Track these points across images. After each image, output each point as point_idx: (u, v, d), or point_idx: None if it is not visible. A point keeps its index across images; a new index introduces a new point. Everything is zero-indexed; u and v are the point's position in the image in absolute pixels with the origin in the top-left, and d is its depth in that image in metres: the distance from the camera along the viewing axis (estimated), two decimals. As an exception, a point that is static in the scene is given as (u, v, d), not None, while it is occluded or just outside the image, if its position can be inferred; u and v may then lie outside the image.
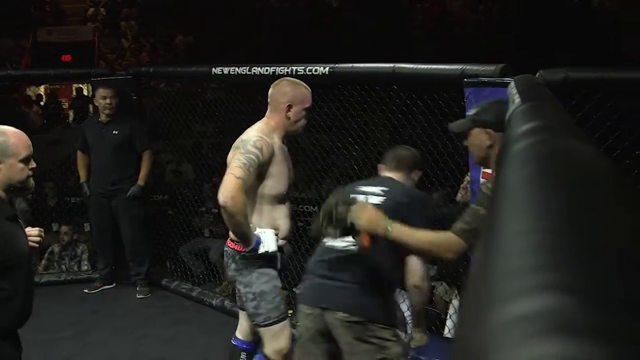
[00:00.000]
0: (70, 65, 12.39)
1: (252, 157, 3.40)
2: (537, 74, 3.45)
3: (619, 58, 11.80)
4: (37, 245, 3.16)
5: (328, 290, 3.11)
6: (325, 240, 3.21)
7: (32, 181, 3.00)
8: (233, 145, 3.61)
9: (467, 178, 4.18)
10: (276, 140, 3.60)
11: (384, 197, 3.18)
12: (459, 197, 4.31)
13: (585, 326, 0.24)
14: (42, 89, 14.34)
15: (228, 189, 3.28)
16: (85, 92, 12.74)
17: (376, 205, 2.98)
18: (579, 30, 12.61)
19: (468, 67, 3.86)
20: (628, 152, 3.45)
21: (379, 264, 3.11)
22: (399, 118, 4.89)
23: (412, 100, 4.67)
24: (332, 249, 3.19)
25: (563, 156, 0.58)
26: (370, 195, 3.16)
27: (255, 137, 3.51)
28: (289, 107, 3.60)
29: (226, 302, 6.21)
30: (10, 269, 2.85)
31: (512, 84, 2.34)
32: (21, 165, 2.91)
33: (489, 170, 3.67)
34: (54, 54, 14.04)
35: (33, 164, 2.98)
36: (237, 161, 3.39)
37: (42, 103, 14.01)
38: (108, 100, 6.21)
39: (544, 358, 0.23)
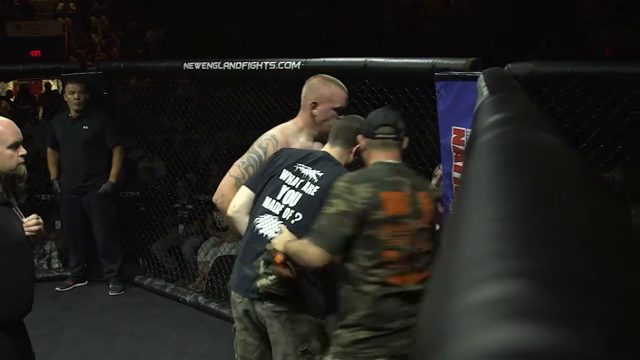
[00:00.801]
0: (39, 61, 12.24)
1: (254, 156, 3.31)
2: (505, 67, 3.48)
3: (588, 52, 11.96)
4: (35, 234, 2.98)
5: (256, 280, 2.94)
6: (257, 225, 3.01)
7: (23, 168, 2.95)
8: None
9: (439, 172, 4.20)
10: (301, 140, 3.39)
11: (318, 187, 2.98)
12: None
13: (546, 311, 0.25)
14: (11, 85, 14.13)
15: (220, 187, 3.26)
16: (54, 88, 12.58)
17: (310, 198, 2.92)
18: (549, 25, 12.74)
19: (439, 61, 3.88)
20: (593, 144, 3.50)
21: None
22: (371, 111, 4.89)
23: (384, 95, 4.68)
24: (262, 238, 2.96)
25: (528, 146, 0.59)
26: (306, 183, 3.00)
27: (266, 136, 3.41)
28: (314, 104, 3.39)
29: (200, 298, 6.19)
30: (12, 257, 2.80)
31: (481, 76, 2.36)
32: (9, 152, 2.86)
33: (459, 163, 3.71)
34: (23, 49, 13.86)
35: (23, 151, 2.92)
36: (239, 159, 3.34)
37: (12, 99, 13.82)
38: (76, 96, 6.14)
39: (504, 343, 0.23)
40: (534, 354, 0.22)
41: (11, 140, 2.88)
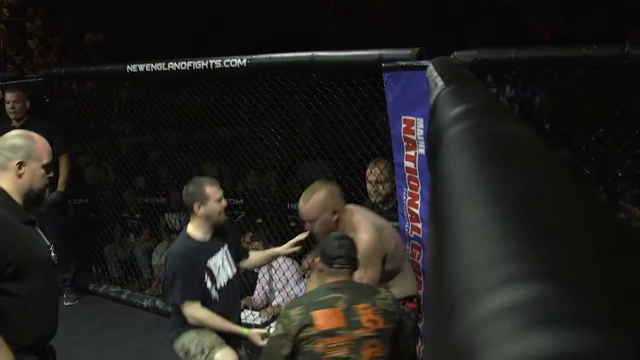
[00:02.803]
0: (-25, 70, 11.86)
1: None
2: (452, 55, 3.52)
3: (530, 38, 12.17)
4: None
5: None
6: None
7: (48, 192, 2.86)
8: None
9: (372, 177, 4.25)
10: None
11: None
12: (372, 197, 4.34)
13: (573, 313, 0.24)
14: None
15: None
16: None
17: None
18: (490, 12, 12.92)
19: (385, 52, 3.89)
20: (537, 127, 3.57)
21: None
22: (319, 106, 4.90)
23: (332, 88, 4.69)
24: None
25: (502, 138, 0.59)
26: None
27: None
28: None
29: (157, 302, 6.12)
30: (26, 274, 2.65)
31: (431, 66, 2.37)
32: (42, 171, 2.78)
33: (411, 152, 3.74)
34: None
35: (51, 174, 2.85)
36: None
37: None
38: (11, 105, 5.96)
39: (536, 351, 0.23)
40: (580, 358, 0.22)
41: (46, 160, 2.80)
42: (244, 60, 4.65)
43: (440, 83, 1.39)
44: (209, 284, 3.73)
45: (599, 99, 3.45)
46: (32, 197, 2.79)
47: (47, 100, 6.43)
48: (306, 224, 3.64)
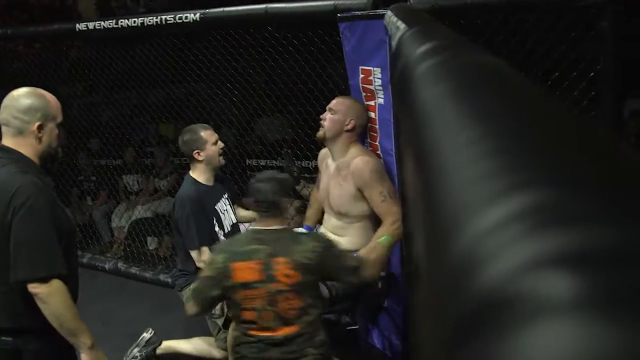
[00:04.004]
0: None
1: None
2: (408, 2, 3.50)
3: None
4: None
5: None
6: None
7: (60, 151, 2.72)
8: None
9: (305, 191, 4.28)
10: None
11: None
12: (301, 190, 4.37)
13: (582, 214, 0.24)
14: None
15: None
16: None
17: None
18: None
19: (340, 1, 3.85)
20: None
21: None
22: (275, 60, 4.85)
23: (287, 40, 4.63)
24: None
25: (476, 68, 0.59)
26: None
27: None
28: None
29: (120, 264, 6.08)
30: (70, 244, 2.61)
31: (390, 12, 2.35)
32: (57, 130, 2.63)
33: (371, 102, 3.73)
34: None
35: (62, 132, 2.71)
36: None
37: None
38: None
39: (547, 253, 0.23)
40: (590, 256, 0.22)
41: (60, 117, 2.66)
42: (197, 15, 4.55)
43: (403, 26, 1.38)
44: (217, 228, 3.71)
45: (554, 43, 3.48)
46: (48, 157, 2.65)
47: (-6, 62, 6.25)
48: (326, 113, 3.66)
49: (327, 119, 3.63)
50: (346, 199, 3.54)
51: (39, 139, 2.57)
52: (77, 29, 5.28)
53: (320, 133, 3.67)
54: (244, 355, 3.05)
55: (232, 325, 3.28)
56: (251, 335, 3.00)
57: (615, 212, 0.24)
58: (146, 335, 4.11)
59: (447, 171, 0.37)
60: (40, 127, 2.56)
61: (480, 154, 0.35)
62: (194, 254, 3.64)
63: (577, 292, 0.21)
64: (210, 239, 3.66)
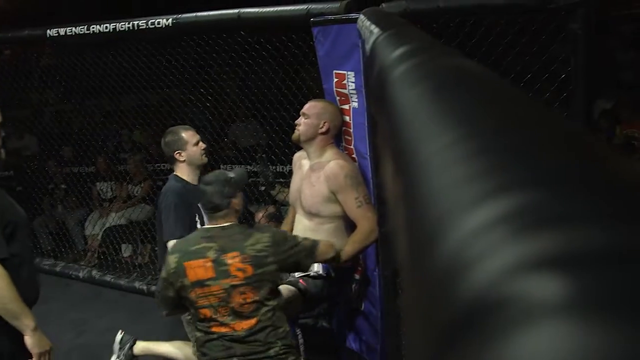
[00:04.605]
0: None
1: None
2: (380, 6, 3.51)
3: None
4: None
5: None
6: None
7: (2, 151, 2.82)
8: None
9: (260, 215, 4.29)
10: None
11: None
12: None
13: (569, 214, 0.24)
14: None
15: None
16: None
17: None
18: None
19: (312, 6, 3.86)
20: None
21: None
22: (249, 64, 4.84)
23: (261, 45, 4.63)
24: None
25: (452, 70, 0.59)
26: None
27: None
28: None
29: (94, 272, 6.02)
30: (19, 233, 2.65)
31: (362, 16, 2.36)
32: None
33: (346, 106, 3.74)
34: None
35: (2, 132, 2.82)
36: None
37: None
38: None
39: (534, 254, 0.23)
40: (577, 257, 0.22)
41: None
42: (169, 20, 4.53)
43: (376, 30, 1.38)
44: (199, 225, 3.70)
45: (525, 46, 3.51)
46: None
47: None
48: (300, 117, 3.68)
49: (302, 123, 3.64)
50: (318, 200, 3.54)
51: None
52: (48, 35, 5.23)
53: (295, 135, 3.69)
54: (209, 354, 3.10)
55: (193, 326, 3.31)
56: (212, 333, 3.06)
57: (601, 212, 0.24)
58: (118, 336, 4.09)
59: (428, 174, 0.37)
60: None
61: (462, 156, 0.34)
62: (169, 244, 3.63)
63: (565, 294, 0.21)
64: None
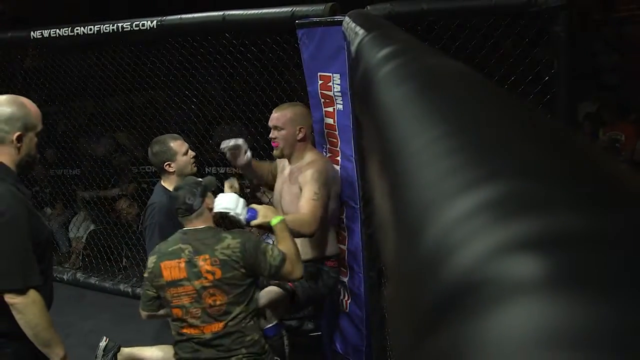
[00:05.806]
0: None
1: None
2: (365, 9, 3.53)
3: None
4: None
5: None
6: None
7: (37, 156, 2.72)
8: None
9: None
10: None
11: None
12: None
13: (551, 200, 0.25)
14: None
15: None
16: None
17: None
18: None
19: (297, 8, 3.86)
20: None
21: None
22: (234, 67, 4.84)
23: (245, 47, 4.63)
24: None
25: (437, 70, 0.60)
26: None
27: None
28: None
29: (78, 275, 5.99)
30: (45, 252, 2.60)
31: (347, 18, 2.37)
32: (36, 139, 2.60)
33: (330, 109, 3.75)
34: None
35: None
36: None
37: None
38: None
39: (517, 238, 0.24)
40: (554, 240, 0.23)
41: (40, 127, 2.62)
42: (154, 22, 4.52)
43: (361, 31, 1.39)
44: None
45: (508, 48, 3.55)
46: (26, 166, 2.64)
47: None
48: (273, 131, 3.66)
49: (279, 138, 3.63)
50: (296, 202, 3.52)
51: (18, 149, 2.54)
52: (31, 37, 5.21)
53: (276, 152, 3.69)
54: (178, 354, 3.20)
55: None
56: (182, 334, 3.17)
57: (576, 199, 0.25)
58: (102, 344, 4.06)
59: (414, 167, 0.38)
60: (19, 137, 2.53)
61: (445, 151, 0.36)
62: None
63: (543, 274, 0.22)
64: None
